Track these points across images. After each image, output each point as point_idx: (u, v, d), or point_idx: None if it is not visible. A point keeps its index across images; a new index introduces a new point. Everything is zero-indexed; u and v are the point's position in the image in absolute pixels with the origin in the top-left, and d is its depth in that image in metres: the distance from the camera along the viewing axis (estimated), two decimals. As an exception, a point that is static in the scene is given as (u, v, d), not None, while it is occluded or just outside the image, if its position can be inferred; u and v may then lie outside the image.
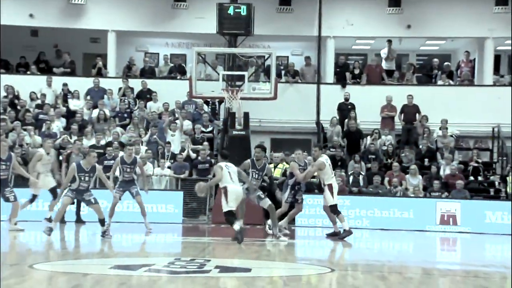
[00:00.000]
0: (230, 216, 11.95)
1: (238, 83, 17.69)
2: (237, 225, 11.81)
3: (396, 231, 16.09)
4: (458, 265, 10.90)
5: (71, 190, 12.32)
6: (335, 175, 14.19)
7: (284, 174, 17.17)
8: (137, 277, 7.91)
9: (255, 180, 12.98)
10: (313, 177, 15.20)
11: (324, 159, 13.72)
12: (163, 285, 7.47)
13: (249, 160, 13.17)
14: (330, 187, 13.54)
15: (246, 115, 17.69)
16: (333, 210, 13.65)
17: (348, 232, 13.55)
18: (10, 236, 12.86)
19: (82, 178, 12.21)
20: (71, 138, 17.83)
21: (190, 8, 21.00)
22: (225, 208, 11.96)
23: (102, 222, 12.45)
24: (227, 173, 12.06)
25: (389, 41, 21.38)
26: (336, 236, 13.64)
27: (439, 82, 21.10)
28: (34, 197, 14.84)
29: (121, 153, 15.74)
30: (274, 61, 17.75)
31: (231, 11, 18.63)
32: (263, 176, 13.24)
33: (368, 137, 19.31)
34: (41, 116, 18.98)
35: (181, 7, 20.96)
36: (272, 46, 21.26)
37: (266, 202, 12.96)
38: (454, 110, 19.83)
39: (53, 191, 14.90)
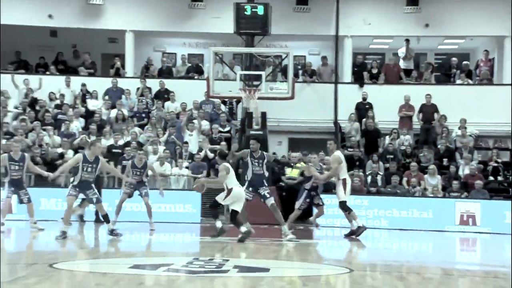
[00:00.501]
0: (215, 207, 12.34)
1: (255, 82, 17.69)
2: (243, 228, 12.11)
3: (414, 231, 16.00)
4: (477, 265, 10.82)
5: (74, 187, 12.05)
6: (352, 175, 14.20)
7: (302, 174, 17.15)
8: (156, 276, 7.93)
9: (257, 167, 12.80)
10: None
11: (339, 153, 13.79)
12: (182, 284, 7.48)
13: (248, 150, 13.08)
14: (344, 182, 13.53)
15: (263, 115, 17.69)
16: (342, 207, 13.65)
17: (363, 228, 13.55)
18: (30, 236, 12.96)
19: (85, 169, 11.97)
20: (89, 138, 17.90)
21: (207, 8, 21.03)
22: (219, 200, 12.16)
23: (105, 218, 12.24)
24: (234, 175, 12.15)
25: (407, 40, 21.27)
26: (353, 235, 13.64)
27: (458, 81, 20.96)
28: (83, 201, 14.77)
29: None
30: (292, 60, 17.72)
31: (248, 10, 18.62)
32: (263, 163, 12.87)
33: (387, 137, 19.23)
34: (60, 116, 19.10)
35: (199, 7, 20.99)
36: (289, 45, 21.23)
37: (270, 201, 12.96)
38: (473, 110, 19.68)
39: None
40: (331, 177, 14.13)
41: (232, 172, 12.09)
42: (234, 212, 12.11)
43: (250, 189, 12.82)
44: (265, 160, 12.89)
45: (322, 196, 14.64)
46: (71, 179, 12.12)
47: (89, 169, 12.06)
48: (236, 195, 12.06)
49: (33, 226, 13.58)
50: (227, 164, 12.17)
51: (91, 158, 12.07)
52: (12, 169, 13.36)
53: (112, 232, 12.27)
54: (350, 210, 13.66)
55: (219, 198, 12.17)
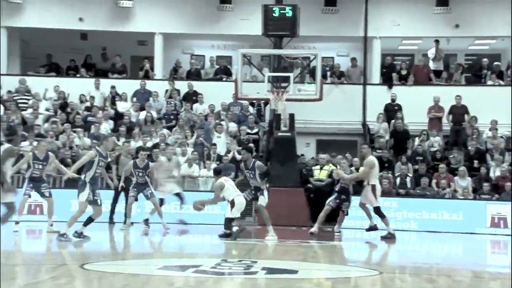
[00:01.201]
0: (229, 223, 12.64)
1: (283, 84, 17.67)
2: (235, 228, 12.57)
3: (444, 233, 15.85)
4: (508, 268, 10.67)
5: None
6: (381, 176, 14.19)
7: (330, 175, 17.11)
8: (185, 278, 7.97)
9: (251, 179, 13.11)
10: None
11: (373, 158, 13.87)
12: (211, 286, 7.51)
13: (242, 163, 13.43)
14: (374, 188, 13.62)
15: (291, 116, 17.65)
16: (377, 213, 13.81)
17: (392, 236, 13.54)
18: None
19: (100, 164, 11.80)
20: (119, 140, 18.04)
21: (236, 10, 21.07)
22: (228, 215, 12.64)
23: (90, 221, 12.04)
24: (230, 186, 12.62)
25: (437, 41, 21.09)
26: (373, 230, 13.73)
27: (489, 82, 20.71)
28: (161, 201, 14.81)
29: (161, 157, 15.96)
30: (320, 62, 17.67)
31: (276, 12, 18.61)
32: (255, 173, 13.04)
33: (416, 138, 19.08)
34: (89, 118, 19.28)
35: (227, 9, 21.05)
36: (317, 47, 21.16)
37: (258, 202, 13.20)
38: (504, 111, 19.41)
39: (179, 195, 15.08)
40: (358, 179, 14.13)
41: (227, 184, 12.55)
42: (231, 218, 12.67)
43: (252, 192, 13.17)
44: (259, 171, 13.03)
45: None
46: (83, 176, 11.82)
47: (102, 164, 11.97)
48: (239, 205, 12.58)
49: (50, 228, 13.48)
50: (221, 180, 12.65)
51: (105, 153, 12.06)
52: (35, 168, 13.50)
53: (79, 235, 11.88)
54: (384, 216, 13.75)
55: (227, 213, 12.68)
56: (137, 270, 8.59)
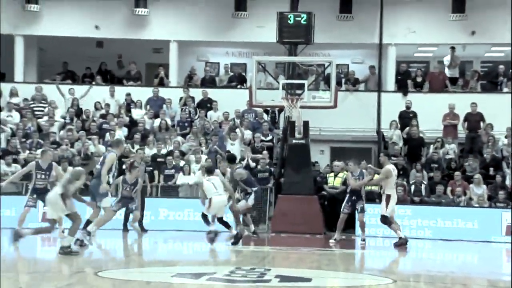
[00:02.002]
0: (204, 218, 13.24)
1: (298, 91, 17.66)
2: (212, 227, 13.05)
3: (459, 241, 15.75)
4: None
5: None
6: (396, 183, 14.15)
7: (344, 183, 17.07)
8: (199, 285, 7.98)
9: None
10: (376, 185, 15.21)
11: (392, 167, 13.84)
12: (224, 294, 7.51)
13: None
14: (388, 198, 13.65)
15: (305, 123, 17.64)
16: (382, 221, 13.87)
17: (404, 240, 13.58)
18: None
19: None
20: (133, 147, 18.12)
21: (251, 17, 21.11)
22: (204, 211, 13.21)
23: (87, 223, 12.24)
24: (211, 186, 13.00)
25: (452, 48, 21.00)
26: (402, 245, 13.65)
27: (505, 90, 20.59)
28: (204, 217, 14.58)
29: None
30: (334, 69, 17.65)
31: (291, 19, 18.62)
32: (236, 183, 13.99)
33: (431, 146, 19.00)
34: (104, 126, 19.38)
35: (242, 17, 21.10)
36: (332, 54, 21.14)
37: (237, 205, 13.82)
38: (520, 118, 19.29)
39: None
40: (367, 184, 14.15)
41: (208, 184, 13.00)
42: (219, 219, 13.18)
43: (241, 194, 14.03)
44: (237, 180, 13.76)
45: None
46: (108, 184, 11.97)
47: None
48: (216, 203, 12.92)
49: (61, 235, 13.44)
50: (203, 179, 13.28)
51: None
52: (38, 178, 13.23)
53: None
54: (390, 223, 13.74)
55: (205, 210, 13.18)
56: (151, 278, 8.61)
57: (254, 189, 14.07)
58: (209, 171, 13.57)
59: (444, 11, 20.70)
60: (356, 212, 14.52)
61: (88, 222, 12.40)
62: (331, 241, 14.43)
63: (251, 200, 13.95)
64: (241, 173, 13.95)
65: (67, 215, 10.92)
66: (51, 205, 10.79)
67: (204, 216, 13.28)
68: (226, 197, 13.20)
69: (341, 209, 14.35)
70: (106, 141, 18.75)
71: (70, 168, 14.26)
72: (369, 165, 17.46)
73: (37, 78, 22.07)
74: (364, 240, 14.43)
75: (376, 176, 14.33)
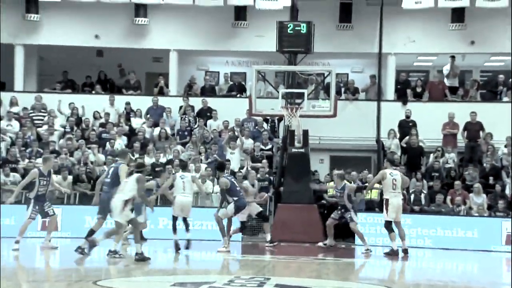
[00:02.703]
0: (173, 221, 13.44)
1: (297, 100, 17.69)
2: (175, 234, 13.11)
3: (459, 250, 15.73)
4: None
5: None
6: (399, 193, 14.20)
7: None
8: (197, 294, 7.95)
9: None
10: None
11: (388, 171, 13.95)
12: (223, 303, 7.49)
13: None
14: (387, 202, 13.70)
15: (305, 132, 17.65)
16: (386, 226, 13.98)
17: (395, 253, 13.68)
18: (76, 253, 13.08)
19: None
20: (133, 156, 18.12)
21: (250, 26, 21.16)
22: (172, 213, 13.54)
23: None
24: (181, 183, 13.18)
25: (452, 57, 21.04)
26: (396, 255, 13.64)
27: (504, 99, 20.61)
28: (243, 225, 14.67)
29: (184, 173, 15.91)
30: (334, 78, 17.67)
31: (291, 29, 18.67)
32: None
33: (431, 155, 19.00)
34: (104, 135, 19.39)
35: (242, 26, 21.15)
36: (332, 63, 21.19)
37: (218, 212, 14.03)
38: (520, 127, 19.31)
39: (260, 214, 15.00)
40: (356, 189, 14.21)
41: (178, 182, 13.25)
42: (174, 216, 13.42)
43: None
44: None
45: (363, 214, 14.76)
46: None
47: None
48: (177, 203, 13.26)
49: (46, 244, 13.42)
50: (177, 174, 13.57)
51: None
52: (41, 184, 13.34)
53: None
54: (391, 231, 13.77)
55: (172, 212, 13.56)
56: (151, 287, 8.60)
57: (235, 198, 13.95)
58: (183, 166, 13.72)
59: (443, 21, 20.74)
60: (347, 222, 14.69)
61: (92, 232, 12.34)
62: (320, 243, 14.54)
63: (230, 209, 13.86)
64: (225, 182, 13.91)
65: (129, 221, 11.65)
66: (115, 210, 11.54)
67: (174, 219, 13.56)
68: (192, 198, 13.40)
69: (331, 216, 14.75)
70: (106, 150, 18.76)
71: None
72: (369, 175, 17.56)
73: (37, 87, 22.10)
74: (367, 249, 14.41)
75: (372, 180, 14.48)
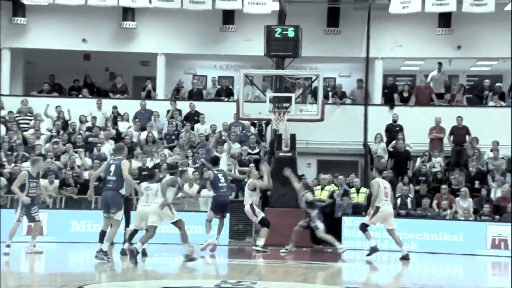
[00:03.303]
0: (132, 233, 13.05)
1: (285, 104, 17.73)
2: (127, 244, 12.64)
3: (445, 254, 15.79)
4: (509, 291, 10.62)
5: None
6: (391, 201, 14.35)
7: (331, 196, 17.11)
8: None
9: None
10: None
11: (380, 180, 14.23)
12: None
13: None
14: (377, 210, 13.80)
15: (292, 136, 17.68)
16: (361, 228, 14.25)
17: (374, 250, 13.89)
18: (60, 257, 13.05)
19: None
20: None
21: (238, 30, 21.18)
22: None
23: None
24: (145, 195, 12.81)
25: (440, 64, 21.18)
26: (375, 251, 13.93)
27: (491, 104, 20.73)
28: (263, 222, 14.82)
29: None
30: (321, 82, 17.72)
31: (279, 33, 18.70)
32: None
33: (418, 159, 19.08)
34: (90, 139, 19.32)
35: (230, 30, 21.17)
36: (319, 67, 21.24)
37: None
38: (505, 132, 19.40)
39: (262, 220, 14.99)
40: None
41: (145, 190, 12.82)
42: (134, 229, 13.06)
43: None
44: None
45: (350, 218, 14.85)
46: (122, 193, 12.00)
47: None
48: (138, 212, 12.92)
49: (32, 249, 13.34)
50: (142, 184, 13.10)
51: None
52: (31, 186, 13.30)
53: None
54: (365, 231, 14.15)
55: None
56: (136, 291, 8.57)
57: (214, 194, 14.16)
58: (150, 176, 13.43)
59: (430, 26, 20.85)
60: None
61: (103, 233, 12.30)
62: (282, 251, 14.60)
63: (210, 207, 14.15)
64: (209, 174, 14.26)
65: (173, 223, 11.92)
66: (158, 214, 11.84)
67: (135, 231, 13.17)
68: (153, 206, 12.67)
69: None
70: (92, 154, 18.69)
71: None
72: (355, 179, 17.62)
73: (24, 91, 22.02)
74: (341, 248, 14.65)
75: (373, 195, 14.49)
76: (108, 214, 12.31)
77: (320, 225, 14.65)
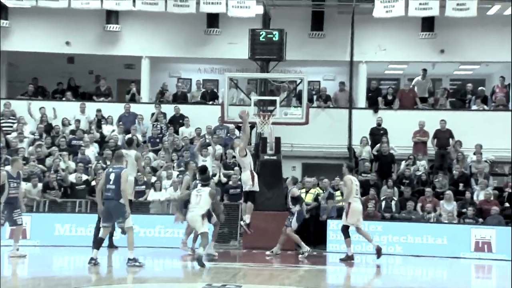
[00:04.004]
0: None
1: (270, 108, 17.74)
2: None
3: (429, 257, 15.86)
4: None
5: None
6: (367, 199, 14.37)
7: (316, 199, 17.15)
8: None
9: None
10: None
11: (352, 177, 14.33)
12: (193, 311, 7.46)
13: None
14: (349, 206, 14.05)
15: (277, 140, 17.68)
16: (343, 231, 14.26)
17: (350, 258, 13.99)
18: (48, 261, 12.95)
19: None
20: (105, 163, 17.99)
21: (223, 34, 21.18)
22: None
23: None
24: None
25: (424, 70, 21.31)
26: (351, 259, 14.08)
27: (473, 107, 20.88)
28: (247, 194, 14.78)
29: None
30: (306, 86, 17.75)
31: (263, 37, 18.72)
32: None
33: (403, 162, 19.16)
34: (74, 142, 19.21)
35: (214, 33, 21.16)
36: (304, 71, 21.30)
37: None
38: (488, 135, 19.57)
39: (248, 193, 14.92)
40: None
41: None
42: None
43: None
44: None
45: (335, 221, 14.83)
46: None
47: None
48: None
49: (15, 253, 13.24)
50: None
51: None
52: (11, 187, 13.20)
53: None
54: (347, 237, 14.08)
55: None
56: (120, 295, 8.53)
57: None
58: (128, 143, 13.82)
59: (413, 30, 20.98)
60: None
61: (101, 240, 12.28)
62: (267, 252, 14.65)
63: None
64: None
65: (200, 233, 12.49)
66: (194, 222, 12.63)
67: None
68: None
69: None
70: (76, 157, 18.58)
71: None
72: (341, 182, 17.65)
73: (7, 93, 21.87)
74: (304, 252, 14.64)
75: (345, 191, 14.53)
76: (109, 223, 12.20)
77: (293, 224, 14.67)
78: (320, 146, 20.34)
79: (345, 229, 14.21)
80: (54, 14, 20.58)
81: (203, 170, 14.04)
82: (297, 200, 14.78)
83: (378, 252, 13.98)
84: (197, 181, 13.83)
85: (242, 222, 14.63)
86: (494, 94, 21.02)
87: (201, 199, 12.68)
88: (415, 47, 21.21)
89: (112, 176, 12.00)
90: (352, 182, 14.13)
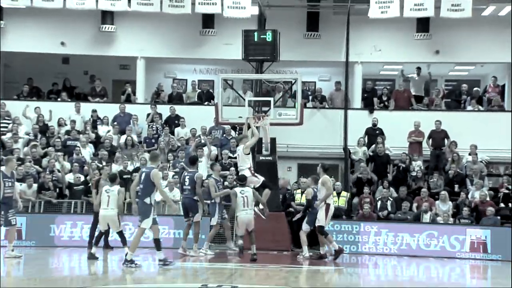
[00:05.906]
0: (99, 236, 13.72)
1: (264, 108, 17.74)
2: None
3: (424, 257, 15.88)
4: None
5: None
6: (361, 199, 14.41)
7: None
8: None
9: None
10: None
11: (328, 178, 14.43)
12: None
13: None
14: (328, 207, 13.95)
15: (273, 140, 17.68)
16: (319, 231, 14.28)
17: (340, 251, 14.10)
18: (43, 261, 12.93)
19: None
20: (101, 163, 17.96)
21: (218, 34, 21.19)
22: None
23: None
24: (106, 197, 13.54)
25: (418, 68, 21.35)
26: (322, 259, 14.19)
27: (468, 108, 20.93)
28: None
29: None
30: (300, 86, 17.76)
31: (256, 37, 18.72)
32: None
33: (398, 162, 19.17)
34: (69, 142, 19.19)
35: (210, 34, 21.17)
36: (299, 71, 21.28)
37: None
38: (483, 136, 19.62)
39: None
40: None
41: (103, 196, 13.47)
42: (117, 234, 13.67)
43: None
44: None
45: (331, 222, 14.90)
46: (147, 200, 11.99)
47: None
48: (100, 217, 13.56)
49: (10, 254, 13.23)
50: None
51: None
52: (6, 186, 13.20)
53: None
54: (326, 234, 14.26)
55: None
56: (116, 296, 8.52)
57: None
58: (112, 179, 13.79)
59: (409, 31, 21.03)
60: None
61: (158, 241, 12.45)
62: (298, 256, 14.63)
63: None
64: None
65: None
66: (250, 222, 13.74)
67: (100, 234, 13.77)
68: (115, 211, 13.42)
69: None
70: (71, 158, 18.56)
71: None
72: (337, 183, 17.66)
73: (2, 94, 21.82)
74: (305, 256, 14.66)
75: (323, 191, 14.43)
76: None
77: (304, 226, 14.69)
78: (315, 146, 20.36)
79: (322, 229, 14.27)
80: (49, 15, 20.55)
81: (243, 179, 14.26)
82: (308, 201, 14.76)
83: (338, 253, 14.20)
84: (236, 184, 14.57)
85: (256, 208, 14.56)
86: (486, 93, 21.08)
87: (248, 199, 13.64)
88: (410, 48, 21.27)
89: (143, 176, 12.13)
90: (331, 182, 14.32)
